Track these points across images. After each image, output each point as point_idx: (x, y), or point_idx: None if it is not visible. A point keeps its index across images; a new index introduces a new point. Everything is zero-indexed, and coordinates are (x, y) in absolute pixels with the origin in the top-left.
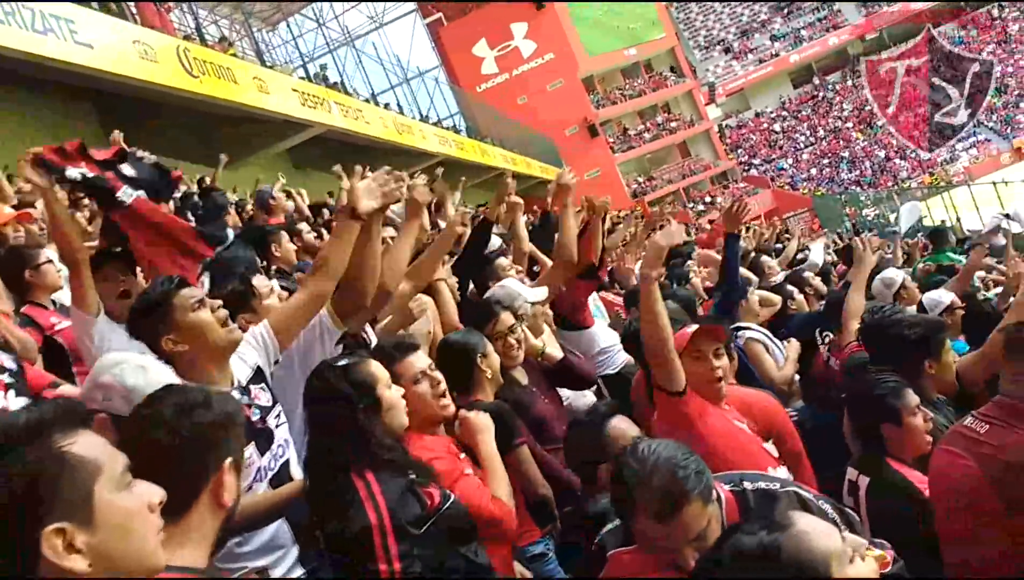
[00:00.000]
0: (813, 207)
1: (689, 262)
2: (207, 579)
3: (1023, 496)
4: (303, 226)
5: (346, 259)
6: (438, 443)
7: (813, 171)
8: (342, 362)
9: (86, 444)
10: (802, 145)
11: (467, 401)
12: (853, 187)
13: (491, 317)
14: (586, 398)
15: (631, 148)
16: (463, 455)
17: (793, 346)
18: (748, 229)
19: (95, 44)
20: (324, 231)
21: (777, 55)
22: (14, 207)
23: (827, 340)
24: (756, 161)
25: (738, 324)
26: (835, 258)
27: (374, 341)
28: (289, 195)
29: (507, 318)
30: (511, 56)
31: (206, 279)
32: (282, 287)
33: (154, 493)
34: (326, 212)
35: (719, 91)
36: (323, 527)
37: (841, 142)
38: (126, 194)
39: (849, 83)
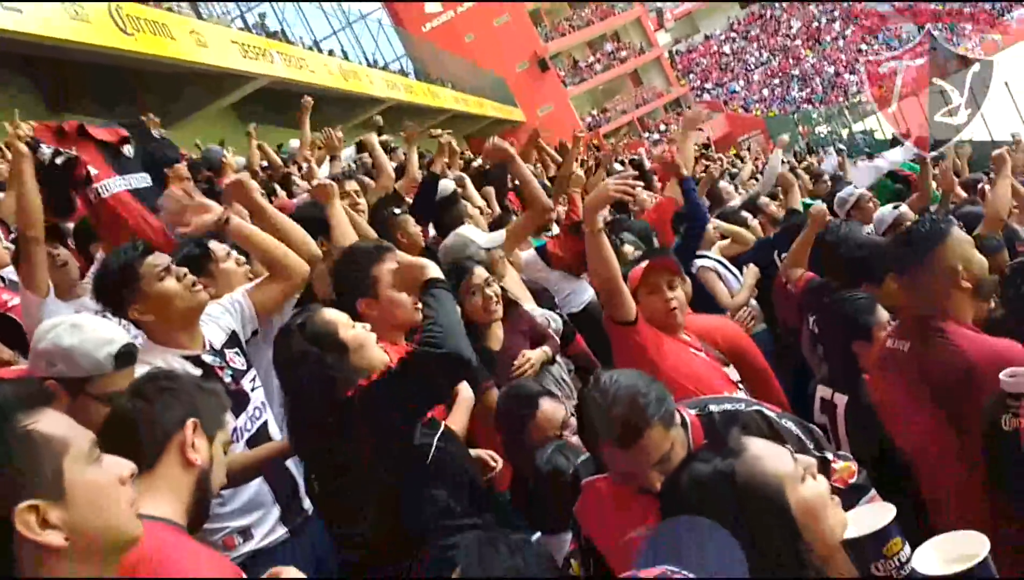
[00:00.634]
0: (767, 128)
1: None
2: (175, 524)
3: (958, 410)
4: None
5: (267, 246)
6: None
7: (765, 92)
8: (297, 321)
9: (51, 422)
10: (753, 66)
11: None
12: (805, 105)
13: (464, 273)
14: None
15: (583, 80)
16: None
17: (751, 272)
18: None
19: (24, 9)
20: (278, 187)
21: None
22: None
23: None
24: (708, 85)
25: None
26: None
27: None
28: (262, 150)
29: (480, 272)
30: None
31: None
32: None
33: (124, 466)
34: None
35: (667, 16)
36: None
37: (791, 61)
38: (106, 188)
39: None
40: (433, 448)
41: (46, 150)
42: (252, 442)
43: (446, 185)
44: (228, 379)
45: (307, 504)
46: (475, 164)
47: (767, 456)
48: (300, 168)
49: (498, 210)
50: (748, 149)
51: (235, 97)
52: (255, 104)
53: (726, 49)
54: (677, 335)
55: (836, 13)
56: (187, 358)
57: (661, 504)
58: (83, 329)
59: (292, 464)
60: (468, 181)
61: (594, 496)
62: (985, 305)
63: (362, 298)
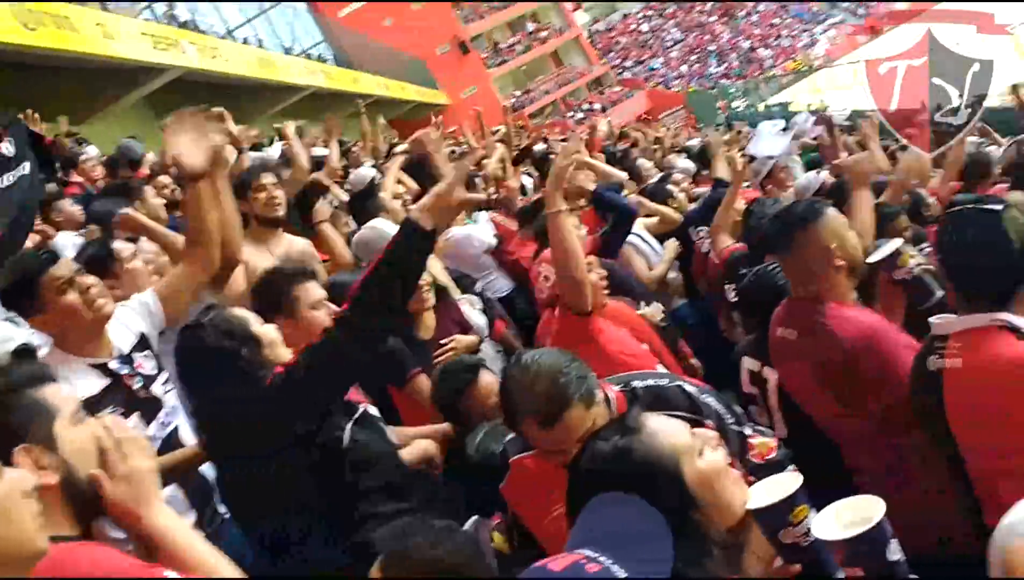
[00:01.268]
0: (687, 104)
1: None
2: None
3: (846, 392)
4: (163, 179)
5: (214, 221)
6: None
7: (684, 68)
8: (206, 318)
9: None
10: (671, 43)
11: None
12: (723, 80)
13: None
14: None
15: (504, 62)
16: None
17: (670, 246)
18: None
19: None
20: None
21: None
22: None
23: (700, 234)
24: (628, 64)
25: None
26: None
27: None
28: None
29: None
30: None
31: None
32: None
33: (26, 479)
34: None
35: None
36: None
37: (707, 36)
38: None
39: None
40: (348, 433)
41: None
42: (164, 449)
43: (364, 175)
44: (138, 386)
45: (222, 508)
46: (398, 149)
47: (662, 431)
48: None
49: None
50: (666, 128)
51: (147, 90)
52: (170, 96)
53: (644, 27)
54: (604, 315)
55: None
56: (94, 366)
57: (567, 483)
58: None
59: (206, 467)
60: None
61: (521, 473)
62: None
63: (281, 318)
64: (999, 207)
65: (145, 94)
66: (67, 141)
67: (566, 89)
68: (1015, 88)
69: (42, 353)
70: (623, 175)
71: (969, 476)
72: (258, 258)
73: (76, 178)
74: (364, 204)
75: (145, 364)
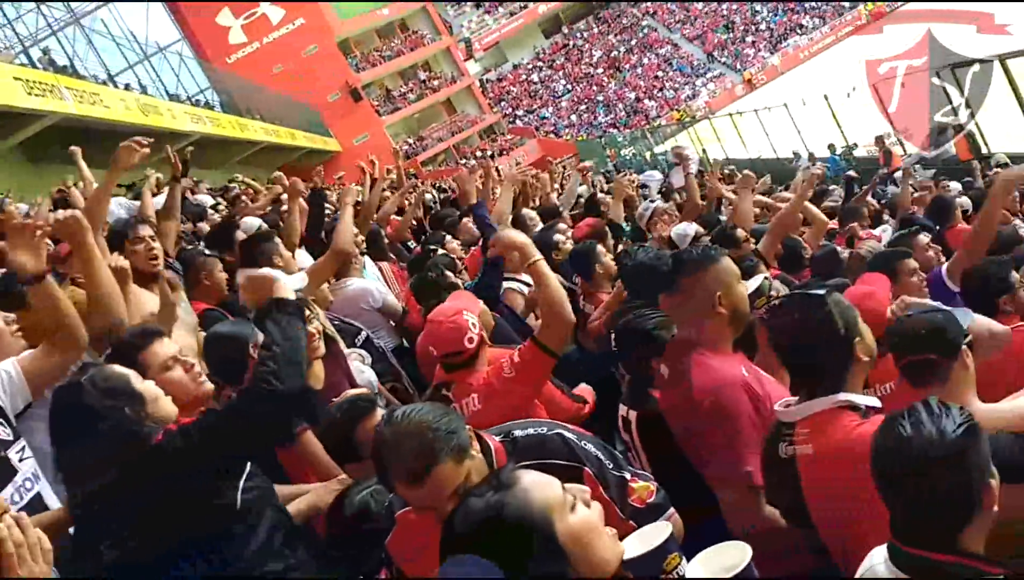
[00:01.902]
0: (578, 152)
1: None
2: None
3: (694, 445)
4: None
5: (68, 308)
6: None
7: (573, 117)
8: (84, 377)
9: None
10: (560, 93)
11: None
12: (611, 129)
13: None
14: (364, 374)
15: (397, 109)
16: None
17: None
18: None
19: None
20: None
21: (526, 6)
22: None
23: (577, 283)
24: (520, 112)
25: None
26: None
27: None
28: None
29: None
30: (259, 24)
31: None
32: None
33: None
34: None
35: (476, 46)
36: None
37: (595, 88)
38: None
39: (595, 30)
40: (240, 491)
41: None
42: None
43: (251, 223)
44: None
45: None
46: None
47: (534, 487)
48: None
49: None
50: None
51: (22, 136)
52: (46, 143)
53: (534, 77)
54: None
55: (633, 43)
56: None
57: (440, 540)
58: None
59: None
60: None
61: (404, 528)
62: None
63: None
64: (822, 292)
65: (20, 141)
66: None
67: (459, 137)
68: (879, 139)
69: None
70: None
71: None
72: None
73: None
74: (253, 252)
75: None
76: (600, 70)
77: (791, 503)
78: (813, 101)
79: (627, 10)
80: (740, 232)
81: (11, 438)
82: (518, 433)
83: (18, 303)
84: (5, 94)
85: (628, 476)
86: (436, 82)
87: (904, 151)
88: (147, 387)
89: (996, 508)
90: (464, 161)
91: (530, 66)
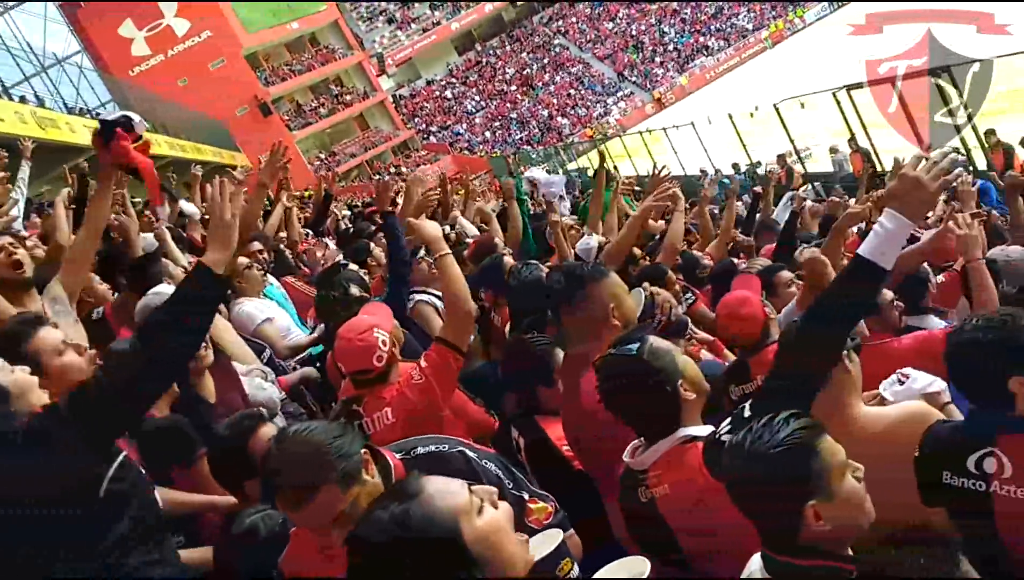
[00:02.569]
0: (492, 168)
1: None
2: None
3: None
4: None
5: None
6: None
7: (488, 134)
8: None
9: None
10: (473, 110)
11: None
12: (524, 146)
13: None
14: (265, 391)
15: (308, 124)
16: None
17: None
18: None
19: None
20: None
21: (439, 23)
22: None
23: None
24: (434, 128)
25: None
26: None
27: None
28: None
29: None
30: (163, 36)
31: None
32: None
33: None
34: None
35: (388, 62)
36: None
37: (508, 105)
38: None
39: (508, 48)
40: (108, 480)
41: None
42: None
43: (147, 242)
44: None
45: None
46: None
47: (440, 493)
48: None
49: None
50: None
51: None
52: None
53: (448, 94)
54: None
55: (546, 61)
56: None
57: (348, 554)
58: None
59: None
60: (168, 237)
61: (299, 544)
62: None
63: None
64: (634, 349)
65: None
66: None
67: (372, 152)
68: (780, 157)
69: None
70: None
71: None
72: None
73: None
74: (145, 271)
75: None
76: (513, 87)
77: (664, 545)
78: (719, 120)
79: (539, 28)
80: (637, 251)
81: None
82: (420, 450)
83: None
84: None
85: (527, 496)
86: (348, 97)
87: (804, 169)
88: (16, 380)
89: (826, 527)
90: (378, 177)
91: (443, 82)
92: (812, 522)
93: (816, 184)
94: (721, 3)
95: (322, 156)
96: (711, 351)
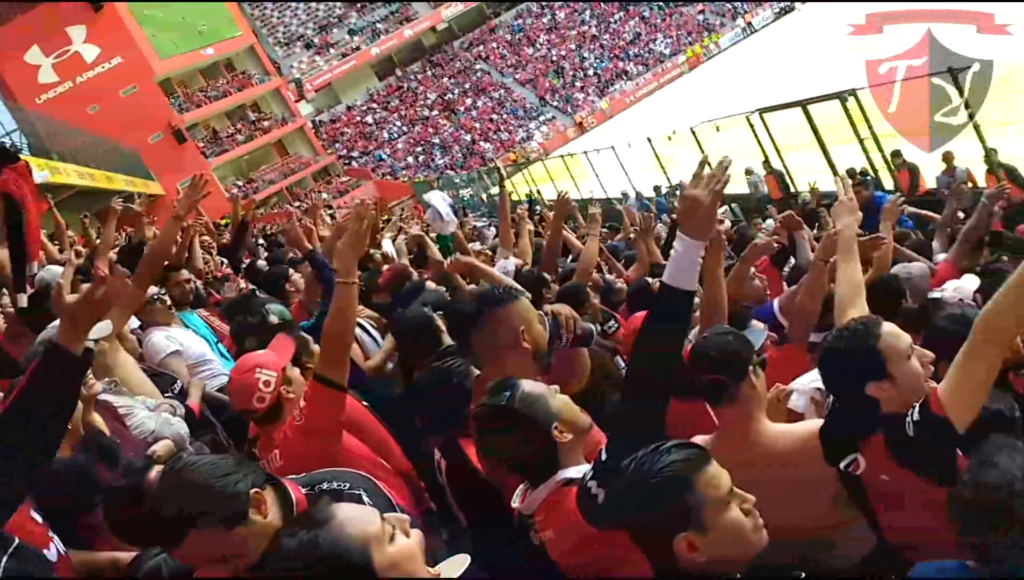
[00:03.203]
0: (415, 193)
1: None
2: None
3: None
4: None
5: None
6: None
7: (410, 159)
8: None
9: None
10: (395, 135)
11: None
12: (448, 171)
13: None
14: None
15: (225, 151)
16: None
17: (390, 338)
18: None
19: None
20: None
21: (358, 48)
22: None
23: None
24: (355, 154)
25: None
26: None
27: None
28: None
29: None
30: (72, 62)
31: None
32: None
33: None
34: None
35: (307, 87)
36: None
37: (430, 130)
38: None
39: (429, 73)
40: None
41: None
42: None
43: (52, 274)
44: None
45: None
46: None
47: (350, 520)
48: None
49: None
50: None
51: None
52: None
53: (369, 119)
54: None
55: (467, 86)
56: None
57: None
58: None
59: None
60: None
61: None
62: None
63: None
64: (504, 400)
65: None
66: None
67: (292, 178)
68: (747, 172)
69: None
70: None
71: None
72: None
73: None
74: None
75: None
76: (435, 112)
77: None
78: (638, 143)
79: (460, 54)
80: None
81: None
82: (325, 486)
83: None
84: None
85: (407, 518)
86: (266, 123)
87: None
88: None
89: (700, 558)
90: (298, 204)
91: (364, 108)
92: (685, 553)
93: (733, 205)
94: (639, 29)
95: (240, 183)
96: None
